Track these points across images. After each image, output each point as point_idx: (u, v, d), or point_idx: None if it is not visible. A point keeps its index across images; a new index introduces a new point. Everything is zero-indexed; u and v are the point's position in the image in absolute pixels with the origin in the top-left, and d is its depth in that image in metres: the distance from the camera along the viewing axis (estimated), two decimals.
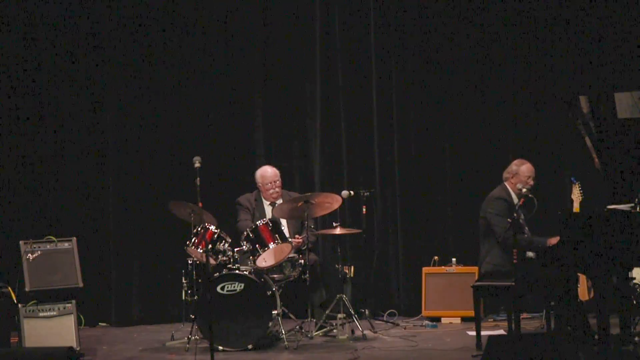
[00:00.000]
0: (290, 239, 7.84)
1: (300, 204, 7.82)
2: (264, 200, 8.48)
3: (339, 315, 7.90)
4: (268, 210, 8.43)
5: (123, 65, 9.42)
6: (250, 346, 7.49)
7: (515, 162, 7.69)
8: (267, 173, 8.46)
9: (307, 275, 7.78)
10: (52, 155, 9.41)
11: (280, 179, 8.45)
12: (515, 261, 6.93)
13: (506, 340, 6.36)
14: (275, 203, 8.38)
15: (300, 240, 8.08)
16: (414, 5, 9.27)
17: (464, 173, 9.21)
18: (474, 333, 7.37)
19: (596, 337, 6.60)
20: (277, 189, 8.40)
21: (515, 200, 7.51)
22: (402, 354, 7.37)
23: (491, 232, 7.44)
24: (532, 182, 7.54)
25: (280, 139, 9.57)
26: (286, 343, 7.53)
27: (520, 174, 7.56)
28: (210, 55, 9.48)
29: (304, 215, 7.80)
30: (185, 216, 7.88)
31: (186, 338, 7.71)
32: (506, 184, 7.62)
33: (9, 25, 9.35)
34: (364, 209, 8.71)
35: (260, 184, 8.46)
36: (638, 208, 6.76)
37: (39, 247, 7.77)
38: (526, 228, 7.54)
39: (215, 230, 7.76)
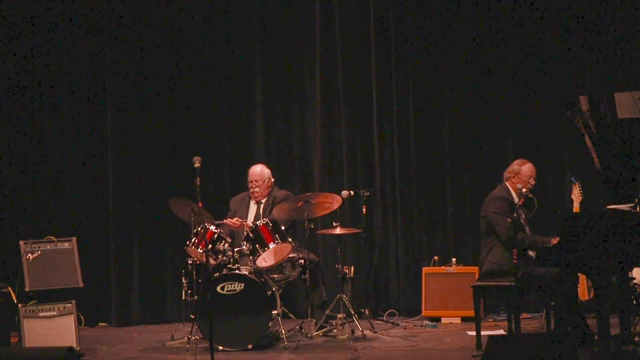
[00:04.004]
0: (289, 239, 7.83)
1: (300, 203, 7.82)
2: (251, 199, 8.48)
3: (339, 315, 7.90)
4: (252, 209, 8.41)
5: (123, 65, 9.43)
6: (250, 346, 7.49)
7: (517, 162, 7.67)
8: (252, 172, 8.43)
9: (307, 275, 7.79)
10: (52, 155, 9.42)
11: (264, 181, 8.39)
12: (515, 261, 6.92)
13: (506, 340, 6.36)
14: (261, 202, 8.38)
15: (237, 222, 8.13)
16: (414, 6, 9.27)
17: (464, 173, 9.21)
18: (474, 333, 7.37)
19: (596, 337, 6.60)
20: (257, 189, 8.35)
21: (516, 199, 7.51)
22: (402, 354, 7.37)
23: (493, 231, 7.44)
24: (533, 182, 7.54)
25: (280, 139, 9.57)
26: (286, 343, 7.53)
27: (522, 173, 7.55)
28: (210, 55, 9.49)
29: (304, 215, 7.80)
30: (185, 216, 7.88)
31: (186, 338, 7.71)
32: (507, 183, 7.61)
33: (9, 24, 9.36)
34: (364, 209, 8.72)
35: (247, 182, 8.47)
36: (638, 208, 6.77)
37: (39, 247, 7.77)
38: (527, 227, 7.54)
39: (215, 230, 7.76)
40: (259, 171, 8.41)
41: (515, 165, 7.62)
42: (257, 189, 8.34)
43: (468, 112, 9.21)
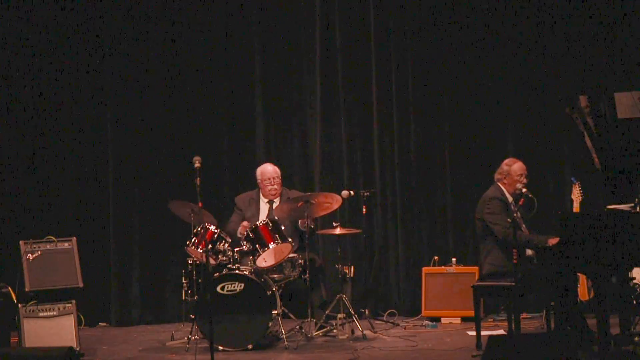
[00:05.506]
0: (288, 239, 7.83)
1: (300, 204, 7.82)
2: (261, 198, 8.47)
3: (339, 315, 7.90)
4: (264, 209, 8.41)
5: (123, 65, 9.42)
6: (250, 346, 7.50)
7: (506, 162, 7.66)
8: (266, 170, 8.45)
9: (307, 275, 7.79)
10: (52, 155, 9.41)
11: (280, 178, 8.43)
12: (515, 261, 6.92)
13: (506, 340, 6.36)
14: (273, 201, 8.38)
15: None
16: (414, 5, 9.27)
17: (464, 173, 9.20)
18: (474, 333, 7.37)
19: (596, 337, 6.60)
20: (275, 186, 8.37)
21: (510, 199, 7.52)
22: (402, 354, 7.37)
23: (489, 232, 7.44)
24: (525, 180, 7.54)
25: (280, 139, 9.57)
26: (286, 343, 7.54)
27: (512, 173, 7.56)
28: (210, 55, 9.48)
29: (303, 215, 7.80)
30: (185, 216, 7.88)
31: (186, 338, 7.72)
32: (499, 184, 7.62)
33: (10, 25, 9.36)
34: (364, 209, 8.71)
35: (259, 181, 8.46)
36: (638, 208, 6.76)
37: (39, 247, 7.77)
38: (523, 226, 7.54)
39: (215, 230, 7.76)
40: (272, 169, 8.43)
41: (504, 166, 7.63)
42: (275, 186, 8.35)
43: (468, 112, 9.21)
